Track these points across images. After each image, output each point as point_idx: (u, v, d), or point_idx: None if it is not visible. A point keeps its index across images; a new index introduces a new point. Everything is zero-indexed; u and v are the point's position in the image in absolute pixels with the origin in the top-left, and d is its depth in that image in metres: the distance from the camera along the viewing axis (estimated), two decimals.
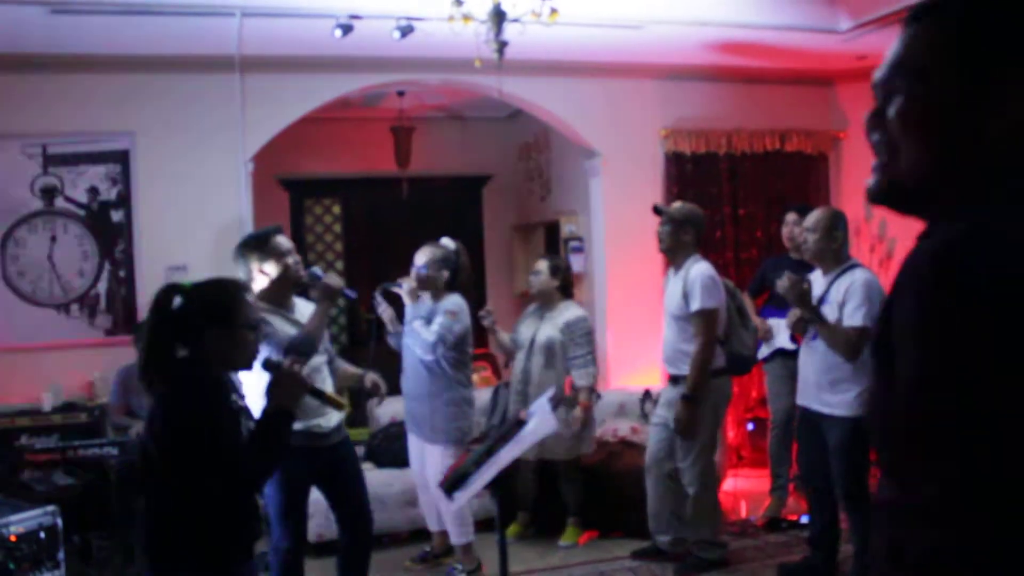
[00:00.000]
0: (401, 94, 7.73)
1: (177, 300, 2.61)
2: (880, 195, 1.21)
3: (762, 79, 6.97)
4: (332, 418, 3.94)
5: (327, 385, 3.94)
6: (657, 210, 4.89)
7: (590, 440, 5.39)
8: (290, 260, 3.92)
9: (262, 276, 3.88)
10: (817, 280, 4.36)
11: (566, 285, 5.39)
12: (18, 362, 5.89)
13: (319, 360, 3.95)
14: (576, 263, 7.14)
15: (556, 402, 3.01)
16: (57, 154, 5.98)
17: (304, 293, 4.19)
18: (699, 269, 4.63)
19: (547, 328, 5.25)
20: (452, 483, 2.98)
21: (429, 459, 4.86)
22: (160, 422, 2.53)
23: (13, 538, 4.33)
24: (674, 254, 4.77)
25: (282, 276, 3.89)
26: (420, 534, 5.36)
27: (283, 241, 3.96)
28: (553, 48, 5.97)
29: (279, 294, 3.91)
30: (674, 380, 4.75)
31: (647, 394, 5.02)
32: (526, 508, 5.58)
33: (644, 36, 5.96)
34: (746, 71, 6.87)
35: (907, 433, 1.06)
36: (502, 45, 4.71)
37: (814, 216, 4.39)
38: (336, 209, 8.86)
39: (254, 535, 2.67)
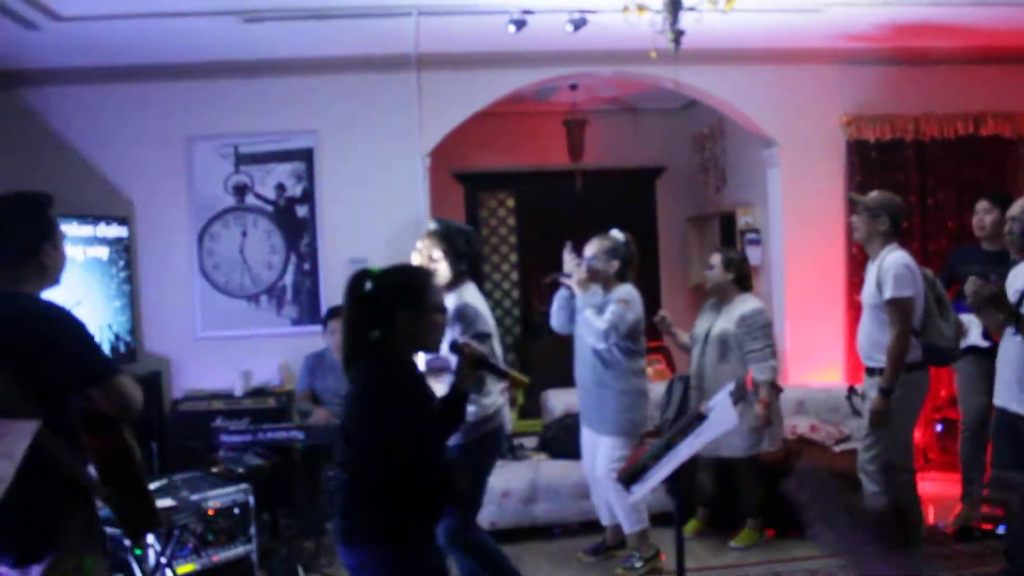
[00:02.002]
0: (574, 87, 7.74)
1: (368, 284, 2.72)
2: None
3: (951, 59, 6.57)
4: (501, 397, 4.07)
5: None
6: (852, 199, 4.71)
7: (775, 437, 5.20)
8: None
9: (433, 264, 4.08)
10: (1021, 272, 4.08)
11: (742, 278, 5.25)
12: (213, 349, 6.28)
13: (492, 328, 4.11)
14: (753, 255, 6.96)
15: (737, 397, 2.92)
16: (247, 153, 6.33)
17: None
18: (894, 258, 4.41)
19: (722, 321, 5.14)
20: (630, 476, 2.95)
21: (601, 450, 4.85)
22: (358, 402, 2.66)
23: (211, 512, 4.61)
24: (870, 244, 4.57)
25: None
26: (592, 526, 5.35)
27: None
28: (729, 36, 5.83)
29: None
30: (870, 372, 4.53)
31: (852, 389, 4.76)
32: (704, 505, 5.48)
33: (823, 19, 5.73)
34: (933, 52, 6.49)
35: None
36: (678, 35, 4.62)
37: (1020, 204, 4.12)
38: (510, 202, 8.97)
39: (442, 510, 2.75)
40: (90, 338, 2.79)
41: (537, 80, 6.55)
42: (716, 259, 5.26)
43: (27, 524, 2.62)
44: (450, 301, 3.88)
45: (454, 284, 4.11)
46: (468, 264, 4.19)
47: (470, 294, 4.11)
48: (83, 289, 5.54)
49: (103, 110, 6.25)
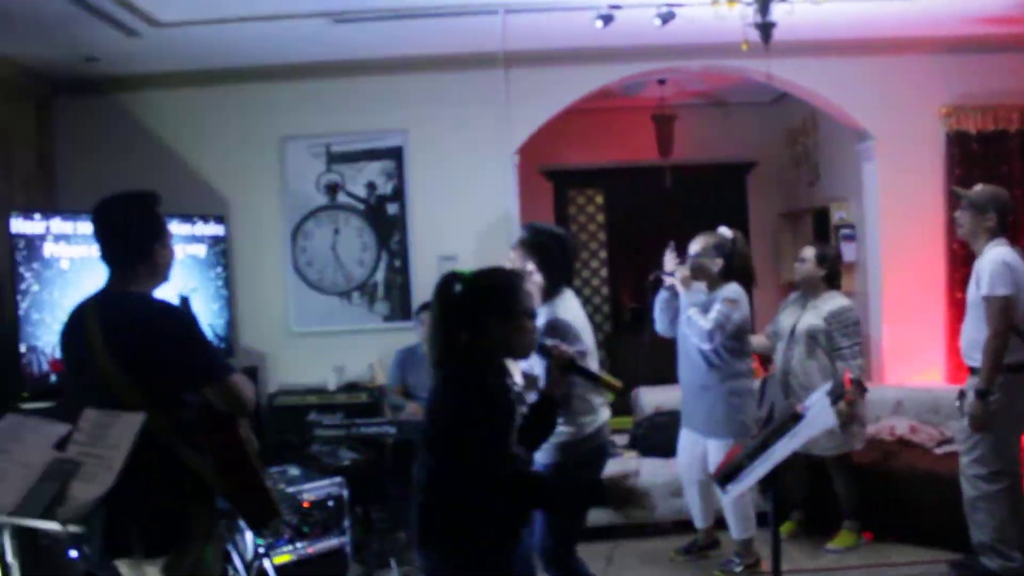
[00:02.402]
0: (662, 82, 7.66)
1: (458, 287, 2.68)
2: None
3: None
4: (606, 410, 3.75)
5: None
6: (955, 194, 4.55)
7: (860, 436, 5.09)
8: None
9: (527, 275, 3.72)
10: None
11: (833, 275, 5.12)
12: (307, 345, 6.41)
13: (588, 345, 3.73)
14: (847, 251, 6.79)
15: (836, 396, 2.84)
16: (339, 152, 6.44)
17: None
18: (994, 254, 4.25)
19: (809, 317, 5.02)
20: (725, 476, 2.90)
21: (711, 453, 4.72)
22: (440, 403, 2.64)
23: (306, 504, 4.71)
24: (974, 240, 4.41)
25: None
26: (684, 525, 5.30)
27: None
28: (822, 26, 5.69)
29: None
30: (972, 372, 4.38)
31: (962, 393, 4.57)
32: (799, 506, 5.37)
33: (919, 7, 5.54)
34: None
35: None
36: (770, 27, 4.53)
37: None
38: (599, 199, 8.93)
39: (523, 521, 2.70)
40: (204, 337, 2.86)
41: (625, 76, 6.50)
42: (809, 252, 5.15)
43: (154, 518, 2.71)
44: (543, 314, 3.58)
45: (549, 296, 3.72)
46: (565, 272, 3.80)
47: (565, 308, 3.71)
48: (182, 285, 5.70)
49: (200, 112, 6.43)
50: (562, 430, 3.44)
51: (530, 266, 3.70)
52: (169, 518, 2.73)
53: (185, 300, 3.31)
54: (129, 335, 2.79)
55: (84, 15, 4.95)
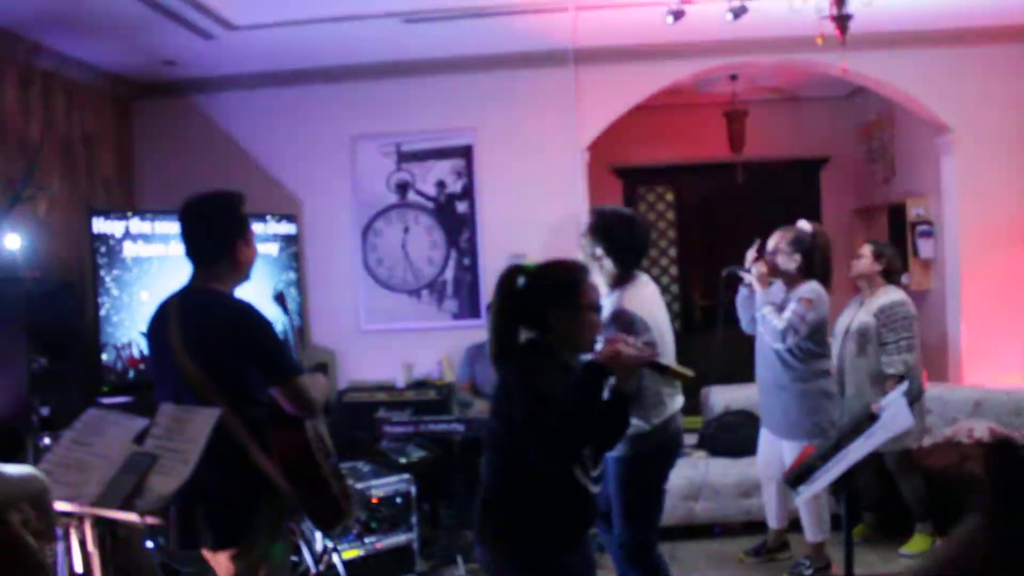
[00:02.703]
0: (734, 77, 7.56)
1: (520, 281, 2.65)
2: None
3: None
4: (677, 400, 3.71)
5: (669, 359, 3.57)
6: None
7: (917, 434, 4.91)
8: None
9: (596, 262, 3.67)
10: None
11: (891, 271, 5.00)
12: (377, 342, 6.48)
13: (659, 334, 3.66)
14: (924, 248, 6.63)
15: (913, 396, 2.77)
16: (409, 151, 6.49)
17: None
18: None
19: (862, 314, 4.93)
20: (796, 477, 2.84)
21: (785, 455, 4.61)
22: (502, 399, 2.61)
23: (375, 500, 4.77)
24: None
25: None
26: (753, 526, 5.23)
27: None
28: (901, 18, 5.56)
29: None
30: None
31: None
32: (870, 509, 5.26)
33: None
34: None
35: None
36: (847, 19, 4.43)
37: None
38: (669, 196, 8.85)
39: (586, 520, 2.67)
40: (276, 338, 2.91)
41: (696, 71, 6.43)
42: (866, 249, 5.06)
43: (223, 513, 2.77)
44: (610, 303, 3.54)
45: (620, 282, 3.64)
46: (635, 255, 3.69)
47: (632, 295, 3.61)
48: (255, 284, 5.80)
49: (272, 113, 6.54)
50: (632, 422, 3.39)
51: (599, 251, 3.64)
52: (236, 513, 2.80)
53: (280, 296, 3.44)
54: (204, 332, 2.87)
55: (162, 20, 5.07)
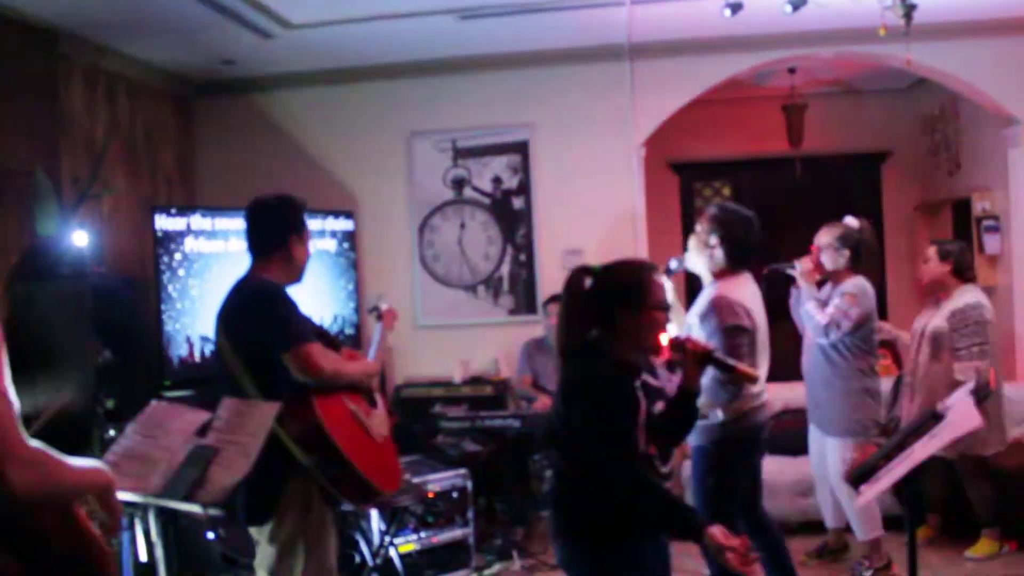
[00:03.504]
0: (792, 70, 7.45)
1: (587, 281, 2.66)
2: None
3: None
4: (758, 394, 3.69)
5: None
6: None
7: (992, 441, 4.78)
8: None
9: (709, 250, 3.76)
10: None
11: (961, 269, 4.86)
12: (433, 338, 6.51)
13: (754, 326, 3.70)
14: (991, 244, 6.48)
15: (981, 395, 2.70)
16: (465, 147, 6.50)
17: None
18: None
19: (937, 318, 4.80)
20: (858, 477, 2.79)
21: (828, 452, 4.60)
22: (565, 398, 2.62)
23: (431, 494, 4.79)
24: None
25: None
26: (811, 526, 5.16)
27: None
28: (966, 6, 5.44)
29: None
30: None
31: None
32: (935, 510, 5.15)
33: None
34: None
35: None
36: (910, 9, 4.33)
37: None
38: (726, 191, 8.76)
39: (667, 522, 2.65)
40: (288, 310, 3.07)
41: (754, 65, 6.35)
42: (931, 251, 4.93)
43: (251, 490, 2.86)
44: (707, 292, 3.70)
45: (724, 275, 3.74)
46: (746, 252, 3.76)
47: (733, 288, 3.68)
48: (313, 279, 5.86)
49: (329, 110, 6.60)
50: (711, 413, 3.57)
51: (713, 241, 3.73)
52: (263, 490, 2.92)
53: (376, 309, 3.90)
54: (234, 313, 3.11)
55: (222, 20, 5.15)
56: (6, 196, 4.57)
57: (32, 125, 4.87)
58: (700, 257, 3.79)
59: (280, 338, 2.98)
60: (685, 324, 3.76)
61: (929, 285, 4.96)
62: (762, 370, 3.70)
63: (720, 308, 3.59)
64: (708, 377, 3.53)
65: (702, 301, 3.73)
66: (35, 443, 1.63)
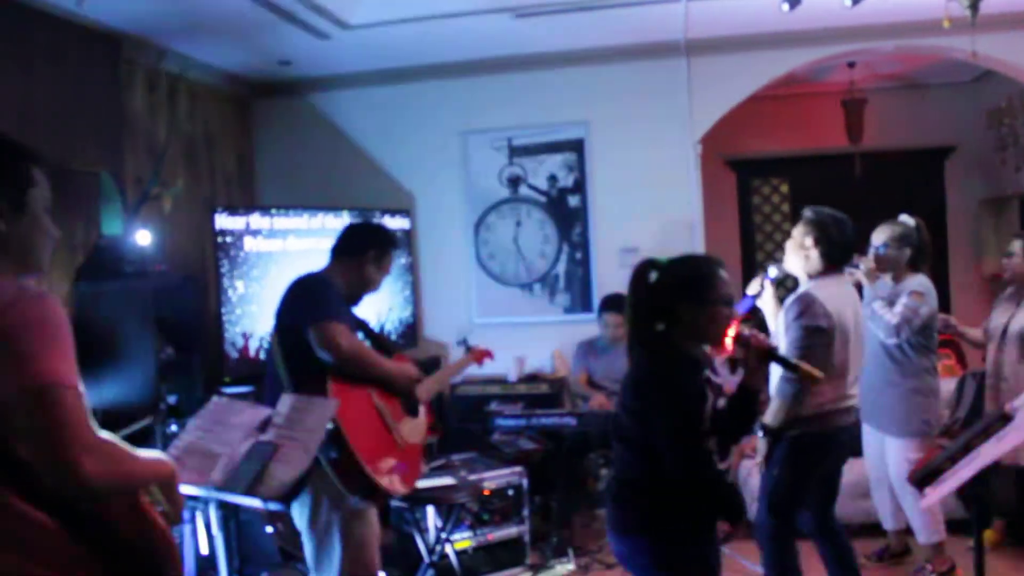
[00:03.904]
0: (852, 65, 7.33)
1: (653, 275, 2.66)
2: None
3: None
4: (842, 396, 3.70)
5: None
6: None
7: None
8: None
9: (805, 252, 3.83)
10: None
11: None
12: (488, 335, 6.46)
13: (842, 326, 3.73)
14: None
15: None
16: (520, 146, 6.51)
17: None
18: None
19: (1021, 316, 4.67)
20: (922, 479, 2.74)
21: (890, 453, 4.52)
22: (631, 391, 2.64)
23: (487, 492, 4.80)
24: None
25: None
26: (872, 528, 5.06)
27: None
28: None
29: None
30: None
31: None
32: (1002, 515, 5.03)
33: None
34: None
35: None
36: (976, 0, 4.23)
37: None
38: (784, 188, 8.66)
39: (721, 511, 2.65)
40: (328, 295, 3.24)
41: (812, 60, 6.25)
42: (1017, 245, 4.79)
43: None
44: (800, 289, 3.78)
45: (819, 276, 3.81)
46: (841, 252, 3.86)
47: (823, 288, 3.72)
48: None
49: (385, 109, 6.65)
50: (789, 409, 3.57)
51: (808, 242, 3.81)
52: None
53: (465, 341, 4.49)
54: (281, 302, 3.31)
55: (280, 22, 5.21)
56: (72, 197, 4.67)
57: (97, 127, 4.97)
58: (796, 259, 3.88)
59: (309, 314, 3.13)
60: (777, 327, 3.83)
61: (1013, 279, 4.82)
62: (852, 372, 3.74)
63: (803, 306, 3.65)
64: (779, 376, 3.57)
65: (790, 298, 3.77)
66: (105, 434, 1.67)
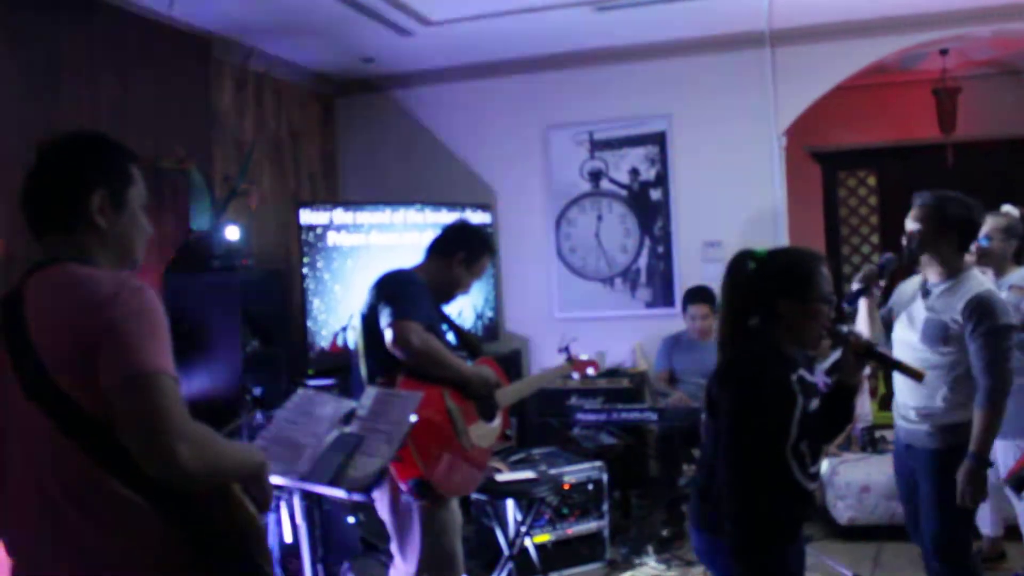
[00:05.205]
0: (944, 52, 7.11)
1: (750, 266, 2.55)
2: None
3: None
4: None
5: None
6: None
7: None
8: None
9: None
10: None
11: None
12: (570, 330, 6.45)
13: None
14: None
15: None
16: (602, 139, 6.47)
17: None
18: None
19: None
20: (1019, 480, 2.64)
21: (999, 455, 4.28)
22: (719, 387, 2.53)
23: (566, 486, 4.80)
24: None
25: None
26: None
27: None
28: None
29: None
30: None
31: None
32: None
33: None
34: None
35: None
36: None
37: None
38: (871, 181, 8.44)
39: (802, 515, 2.56)
40: (410, 291, 3.27)
41: (902, 48, 6.07)
42: None
43: None
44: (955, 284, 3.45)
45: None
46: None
47: (976, 281, 3.44)
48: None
49: (467, 105, 6.68)
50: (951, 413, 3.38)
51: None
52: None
53: (567, 352, 4.26)
54: (368, 295, 3.35)
55: (363, 19, 5.28)
56: (163, 193, 4.81)
57: (186, 126, 5.11)
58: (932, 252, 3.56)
59: (385, 311, 3.17)
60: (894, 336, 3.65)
61: None
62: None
63: (980, 305, 3.31)
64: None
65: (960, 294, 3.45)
66: (200, 424, 1.71)
